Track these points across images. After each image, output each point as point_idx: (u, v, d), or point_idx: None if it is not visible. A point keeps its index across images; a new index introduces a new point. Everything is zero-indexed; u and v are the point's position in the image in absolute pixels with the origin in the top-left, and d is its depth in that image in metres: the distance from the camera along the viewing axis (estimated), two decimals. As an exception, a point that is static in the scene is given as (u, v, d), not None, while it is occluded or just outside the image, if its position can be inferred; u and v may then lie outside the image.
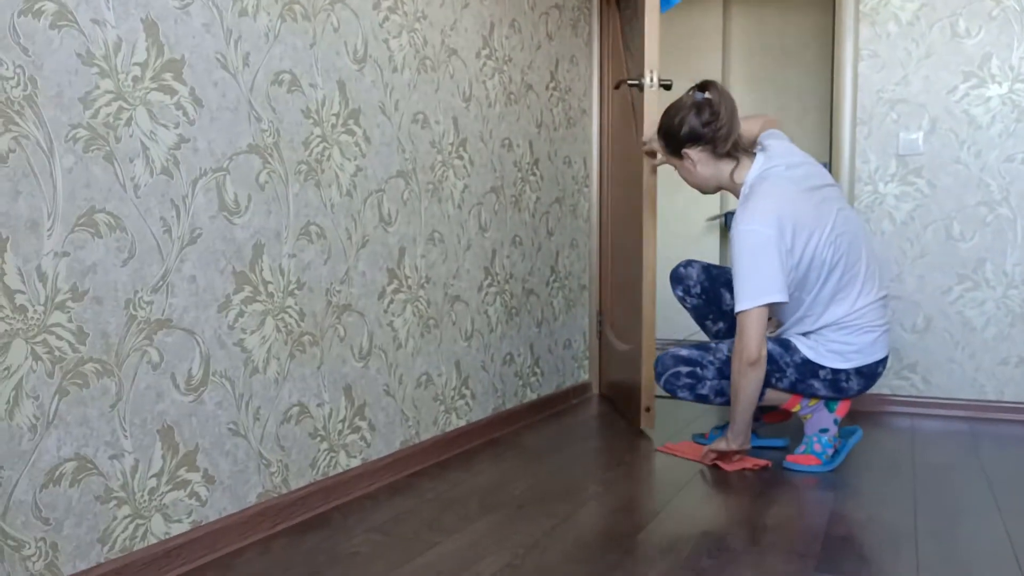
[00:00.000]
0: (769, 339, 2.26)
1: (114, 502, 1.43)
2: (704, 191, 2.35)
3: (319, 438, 1.92)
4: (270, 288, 1.76)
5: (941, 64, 2.98)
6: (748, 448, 2.31)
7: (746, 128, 2.34)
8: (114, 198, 1.41)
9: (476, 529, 1.78)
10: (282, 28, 1.77)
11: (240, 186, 1.67)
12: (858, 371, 2.22)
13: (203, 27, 1.58)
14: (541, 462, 2.35)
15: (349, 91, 1.98)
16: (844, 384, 2.24)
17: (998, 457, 2.40)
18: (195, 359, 1.58)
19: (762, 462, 2.28)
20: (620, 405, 3.06)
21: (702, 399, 2.34)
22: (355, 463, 2.04)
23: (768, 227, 2.09)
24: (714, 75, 4.81)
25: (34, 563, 1.30)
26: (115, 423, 1.43)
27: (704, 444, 2.50)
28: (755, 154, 2.25)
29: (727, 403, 2.33)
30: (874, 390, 3.11)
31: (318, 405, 1.91)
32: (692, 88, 2.27)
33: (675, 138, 2.27)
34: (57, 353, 1.32)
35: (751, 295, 2.10)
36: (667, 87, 2.72)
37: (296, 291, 1.83)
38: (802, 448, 2.31)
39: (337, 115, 1.94)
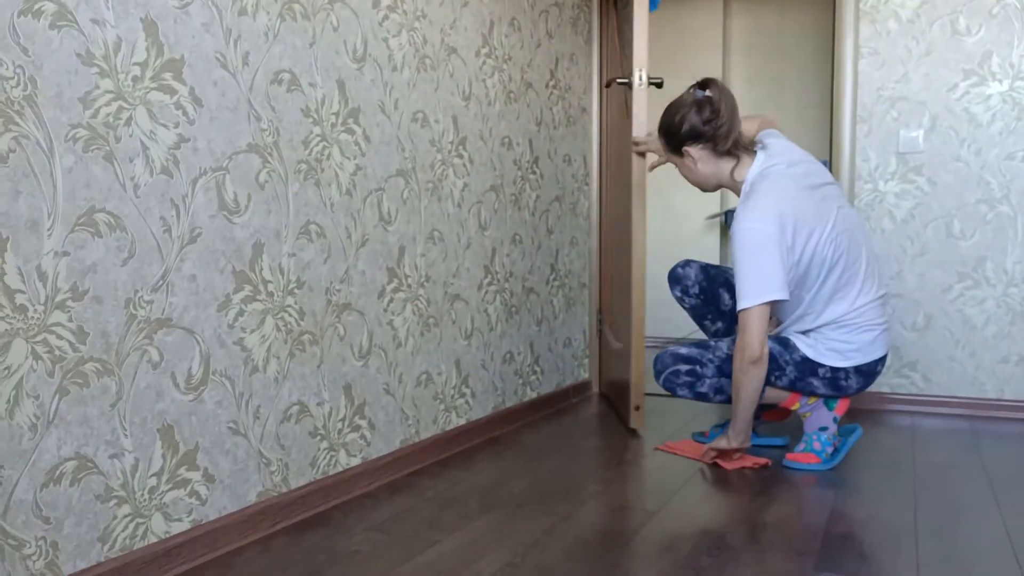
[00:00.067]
0: (768, 337, 2.26)
1: (114, 501, 1.43)
2: (704, 189, 2.35)
3: (319, 437, 1.92)
4: (270, 287, 1.76)
5: (941, 62, 2.98)
6: (748, 446, 2.31)
7: (744, 128, 2.34)
8: (114, 198, 1.41)
9: (476, 528, 1.78)
10: (281, 27, 1.77)
11: (240, 185, 1.68)
12: (857, 369, 2.22)
13: (202, 26, 1.58)
14: (541, 461, 2.35)
15: (349, 90, 1.98)
16: (843, 382, 2.24)
17: (998, 455, 2.40)
18: (195, 358, 1.58)
19: (762, 460, 2.29)
20: (616, 403, 3.06)
21: (701, 397, 2.34)
22: (355, 462, 2.05)
23: (769, 225, 2.09)
24: (714, 73, 4.81)
25: (34, 562, 1.30)
26: (115, 422, 1.43)
27: (704, 442, 2.50)
28: (755, 152, 2.25)
29: (726, 401, 2.34)
30: (874, 388, 3.11)
31: (318, 404, 1.91)
32: (693, 86, 2.27)
33: (676, 136, 2.27)
34: (57, 352, 1.32)
35: (752, 293, 2.10)
36: (658, 85, 2.72)
37: (296, 290, 1.83)
38: (802, 446, 2.31)
39: (337, 114, 1.95)
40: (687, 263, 2.55)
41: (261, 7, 1.72)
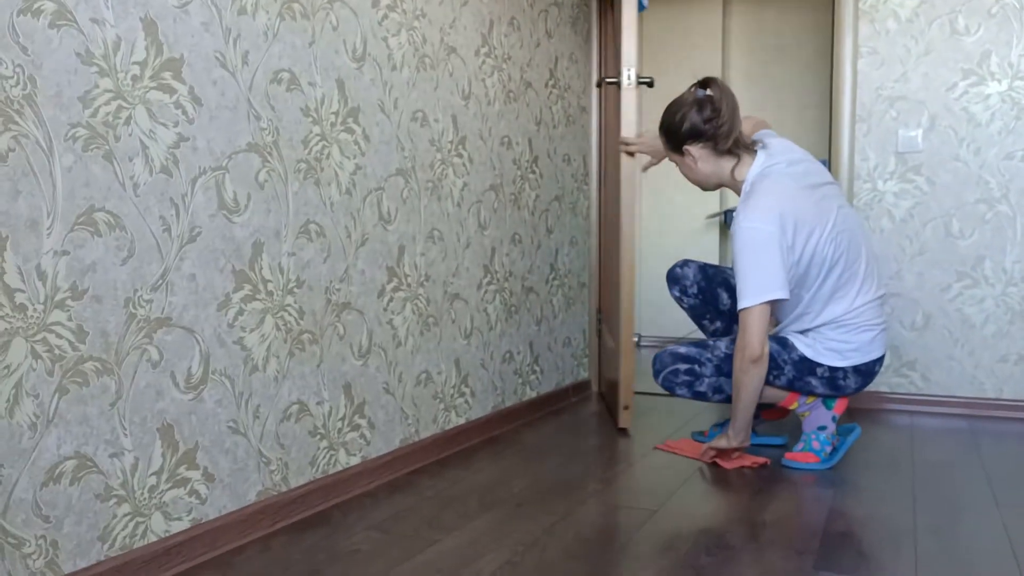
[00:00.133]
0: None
1: (114, 500, 1.43)
2: (705, 188, 2.36)
3: (319, 436, 1.92)
4: (269, 286, 1.76)
5: (940, 61, 2.98)
6: (748, 445, 2.31)
7: None
8: (113, 197, 1.41)
9: (476, 527, 1.78)
10: (281, 27, 1.77)
11: (239, 185, 1.68)
12: (856, 369, 2.23)
13: (202, 26, 1.58)
14: (540, 460, 2.35)
15: (348, 89, 1.98)
16: (841, 382, 2.24)
17: (997, 454, 2.40)
18: (195, 357, 1.58)
19: (761, 460, 2.29)
20: (610, 403, 3.06)
21: (700, 397, 2.35)
22: (355, 461, 2.05)
23: (770, 224, 2.09)
24: (713, 72, 4.81)
25: (34, 561, 1.30)
26: (115, 421, 1.43)
27: (703, 442, 2.50)
28: (756, 151, 2.25)
29: (725, 400, 2.34)
30: (873, 388, 3.11)
31: (318, 403, 1.91)
32: (694, 85, 2.27)
33: (676, 135, 2.27)
34: (57, 352, 1.32)
35: (753, 292, 2.10)
36: (649, 84, 2.72)
37: (296, 289, 1.84)
38: (800, 446, 2.31)
39: (336, 113, 1.95)
40: (685, 263, 2.55)
41: (260, 6, 1.72)
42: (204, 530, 1.60)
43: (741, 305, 2.12)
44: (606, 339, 3.31)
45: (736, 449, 2.27)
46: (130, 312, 1.45)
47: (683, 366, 2.33)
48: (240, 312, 1.69)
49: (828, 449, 2.28)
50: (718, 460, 2.30)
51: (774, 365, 2.25)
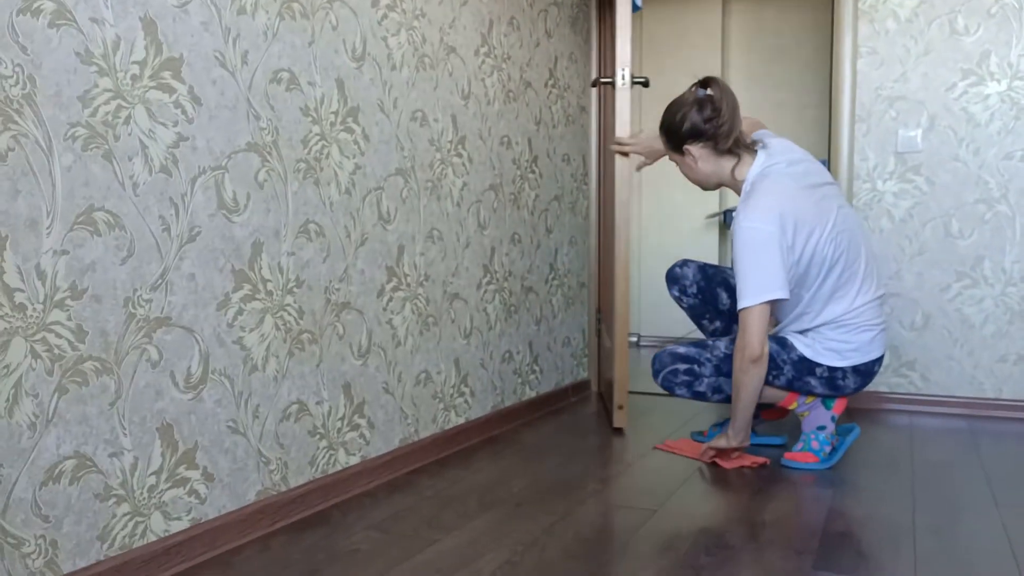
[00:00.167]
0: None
1: (113, 500, 1.43)
2: (705, 187, 2.36)
3: (318, 436, 1.92)
4: (269, 286, 1.76)
5: (940, 61, 2.98)
6: (747, 445, 2.31)
7: None
8: (113, 196, 1.41)
9: (475, 526, 1.78)
10: (280, 26, 1.77)
11: (239, 184, 1.68)
12: (855, 369, 2.23)
13: (201, 25, 1.58)
14: (540, 460, 2.35)
15: (348, 89, 1.98)
16: (841, 382, 2.24)
17: (996, 454, 2.40)
18: (194, 357, 1.58)
19: (760, 460, 2.29)
20: (609, 403, 3.06)
21: (699, 396, 2.35)
22: (354, 461, 2.05)
23: (770, 224, 2.09)
24: (713, 72, 4.81)
25: (34, 560, 1.30)
26: (114, 421, 1.43)
27: (703, 442, 2.50)
28: (756, 151, 2.25)
29: (725, 400, 2.34)
30: (872, 388, 3.12)
31: (317, 403, 1.91)
32: (694, 84, 2.27)
33: (677, 134, 2.27)
34: (56, 351, 1.32)
35: (753, 292, 2.10)
36: (643, 84, 2.72)
37: (295, 289, 1.84)
38: (800, 446, 2.31)
39: (336, 113, 1.95)
40: (685, 263, 2.56)
41: (260, 6, 1.72)
42: (203, 530, 1.60)
43: (741, 305, 2.12)
44: (605, 339, 3.31)
45: (735, 449, 2.27)
46: (129, 312, 1.45)
47: (682, 366, 2.33)
48: (239, 312, 1.68)
49: (827, 449, 2.28)
50: (717, 460, 2.30)
51: (773, 365, 2.25)
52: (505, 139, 2.73)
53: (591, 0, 3.41)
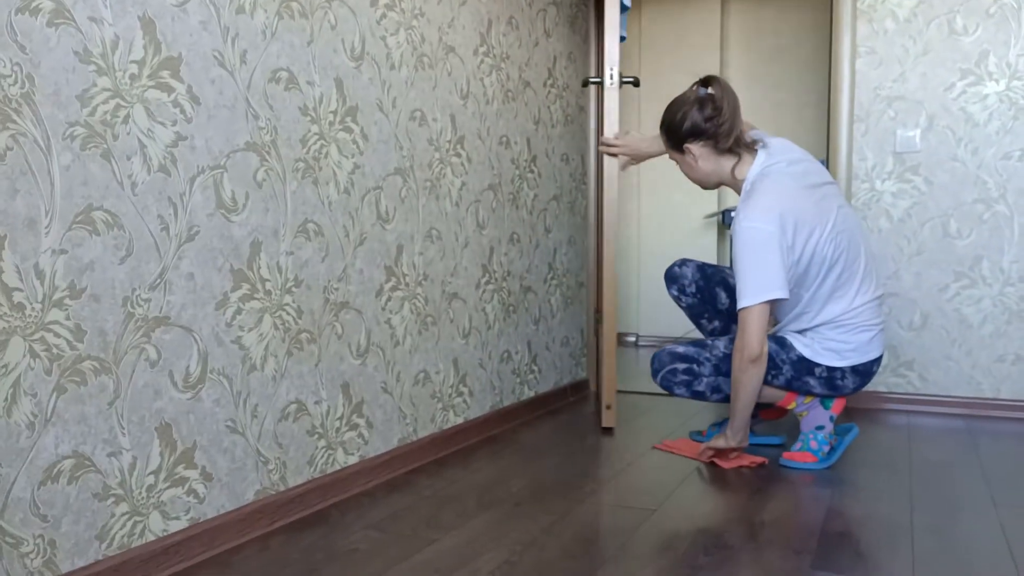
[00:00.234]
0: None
1: (112, 499, 1.43)
2: (705, 187, 2.36)
3: (317, 435, 1.92)
4: (268, 286, 1.76)
5: (938, 61, 2.99)
6: (746, 445, 2.32)
7: None
8: (111, 196, 1.41)
9: (474, 526, 1.78)
10: (279, 25, 1.77)
11: (238, 184, 1.67)
12: (853, 369, 2.23)
13: (200, 25, 1.58)
14: (539, 459, 2.35)
15: (346, 88, 1.98)
16: (839, 382, 2.24)
17: (994, 454, 2.41)
18: (193, 356, 1.58)
19: (759, 459, 2.29)
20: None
21: (698, 396, 2.35)
22: (353, 460, 2.05)
23: (770, 224, 2.09)
24: (712, 71, 4.81)
25: (32, 560, 1.30)
26: (113, 420, 1.43)
27: (701, 441, 2.51)
28: (756, 151, 2.25)
29: (723, 400, 2.34)
30: (871, 387, 3.12)
31: (316, 403, 1.91)
32: (695, 83, 2.27)
33: (677, 133, 2.27)
34: (55, 351, 1.32)
35: (753, 292, 2.10)
36: (633, 84, 2.72)
37: (294, 288, 1.83)
38: (798, 445, 2.31)
39: (335, 113, 1.94)
40: (683, 262, 2.56)
41: (259, 5, 1.72)
42: (202, 529, 1.60)
43: (740, 304, 2.12)
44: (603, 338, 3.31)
45: (734, 449, 2.28)
46: (128, 311, 1.44)
47: (681, 365, 2.33)
48: (238, 311, 1.68)
49: (826, 449, 2.28)
50: (716, 460, 2.30)
51: (772, 365, 2.25)
52: (504, 139, 2.73)
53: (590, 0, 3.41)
